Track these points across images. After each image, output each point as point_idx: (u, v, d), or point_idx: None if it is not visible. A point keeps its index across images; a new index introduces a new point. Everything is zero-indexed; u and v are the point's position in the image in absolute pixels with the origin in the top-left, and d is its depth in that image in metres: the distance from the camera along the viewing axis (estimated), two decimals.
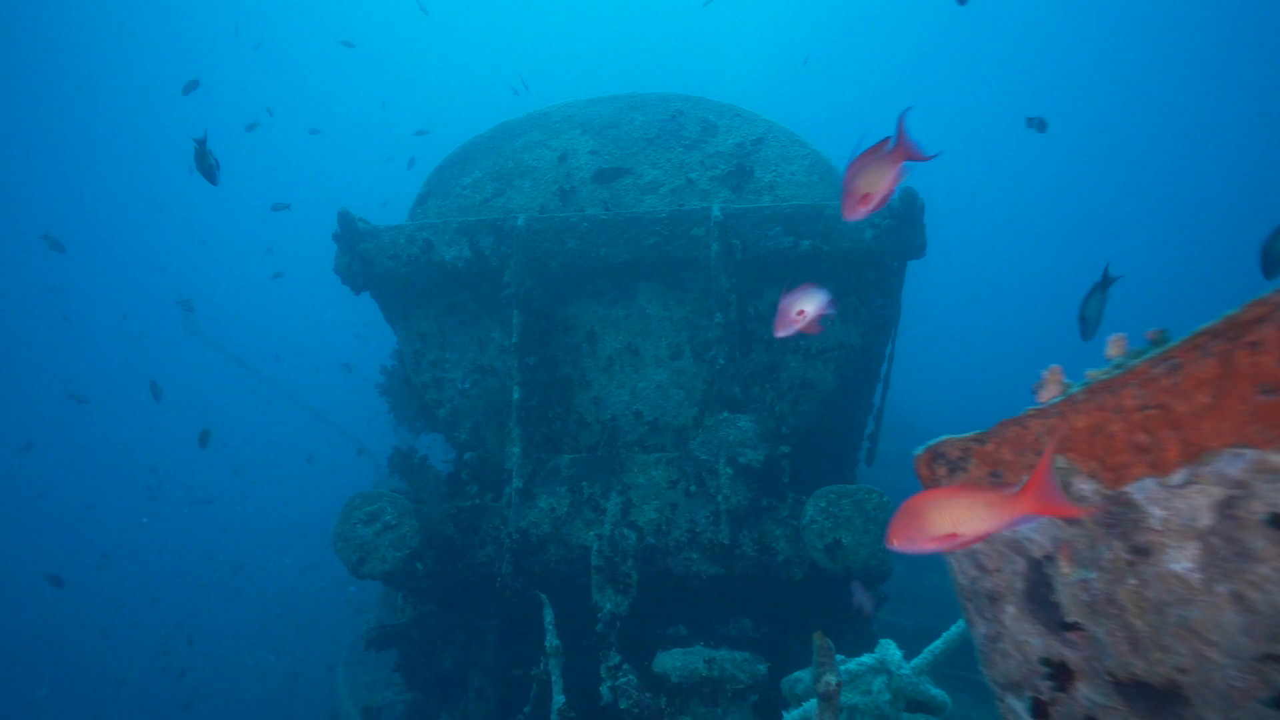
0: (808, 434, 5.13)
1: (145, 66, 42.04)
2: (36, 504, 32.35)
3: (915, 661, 3.04)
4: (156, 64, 41.66)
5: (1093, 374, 1.35)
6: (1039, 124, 7.71)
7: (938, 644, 3.07)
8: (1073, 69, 44.35)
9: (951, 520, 1.42)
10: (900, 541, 1.50)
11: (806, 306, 2.75)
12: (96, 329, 41.00)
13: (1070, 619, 1.38)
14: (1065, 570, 1.40)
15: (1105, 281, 3.80)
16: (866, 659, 3.04)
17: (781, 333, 2.83)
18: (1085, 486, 1.33)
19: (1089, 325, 3.85)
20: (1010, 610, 1.47)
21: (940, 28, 44.60)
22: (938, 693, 3.01)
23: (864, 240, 4.86)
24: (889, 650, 3.07)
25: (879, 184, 2.13)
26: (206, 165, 4.75)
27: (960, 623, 2.99)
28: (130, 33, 41.71)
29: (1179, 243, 46.48)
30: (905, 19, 44.85)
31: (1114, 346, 1.37)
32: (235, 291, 42.29)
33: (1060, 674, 1.39)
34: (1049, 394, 1.43)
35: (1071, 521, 1.37)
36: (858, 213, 2.23)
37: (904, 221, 4.84)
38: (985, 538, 1.41)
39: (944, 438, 1.59)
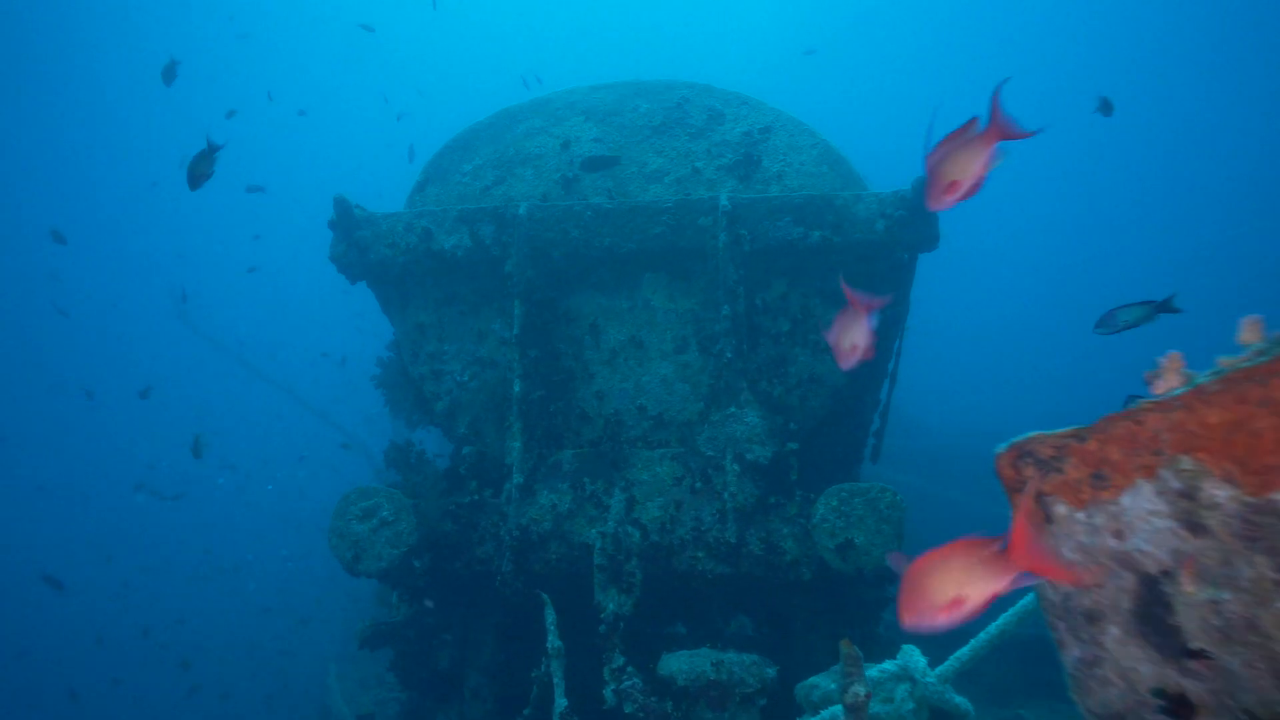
0: (814, 430, 5.00)
1: (144, 58, 41.64)
2: (32, 498, 32.08)
3: (940, 669, 2.90)
4: (157, 52, 41.24)
5: (1226, 361, 1.19)
6: (1105, 106, 7.37)
7: (964, 651, 2.94)
8: (1080, 59, 44.12)
9: (954, 585, 1.28)
10: (911, 617, 1.36)
11: (858, 339, 2.63)
12: (88, 319, 40.65)
13: (1195, 645, 1.23)
14: (1189, 589, 1.24)
15: (1164, 306, 3.68)
16: (889, 665, 2.91)
17: (846, 366, 2.74)
18: (1219, 493, 1.17)
19: (1112, 327, 3.72)
20: (1113, 632, 1.31)
21: (947, 17, 44.39)
22: (961, 701, 2.89)
23: (876, 231, 4.72)
24: (913, 657, 2.94)
25: (970, 169, 1.95)
26: (200, 171, 4.48)
27: (990, 628, 2.86)
28: (130, 24, 41.33)
29: (1183, 245, 46.48)
30: (911, 7, 44.64)
31: (1250, 330, 1.20)
32: (231, 282, 41.92)
33: (1178, 707, 1.23)
34: (1168, 384, 1.26)
35: (1198, 532, 1.22)
36: (944, 202, 2.05)
37: (917, 212, 4.70)
38: (993, 601, 1.28)
39: (1033, 433, 1.42)
